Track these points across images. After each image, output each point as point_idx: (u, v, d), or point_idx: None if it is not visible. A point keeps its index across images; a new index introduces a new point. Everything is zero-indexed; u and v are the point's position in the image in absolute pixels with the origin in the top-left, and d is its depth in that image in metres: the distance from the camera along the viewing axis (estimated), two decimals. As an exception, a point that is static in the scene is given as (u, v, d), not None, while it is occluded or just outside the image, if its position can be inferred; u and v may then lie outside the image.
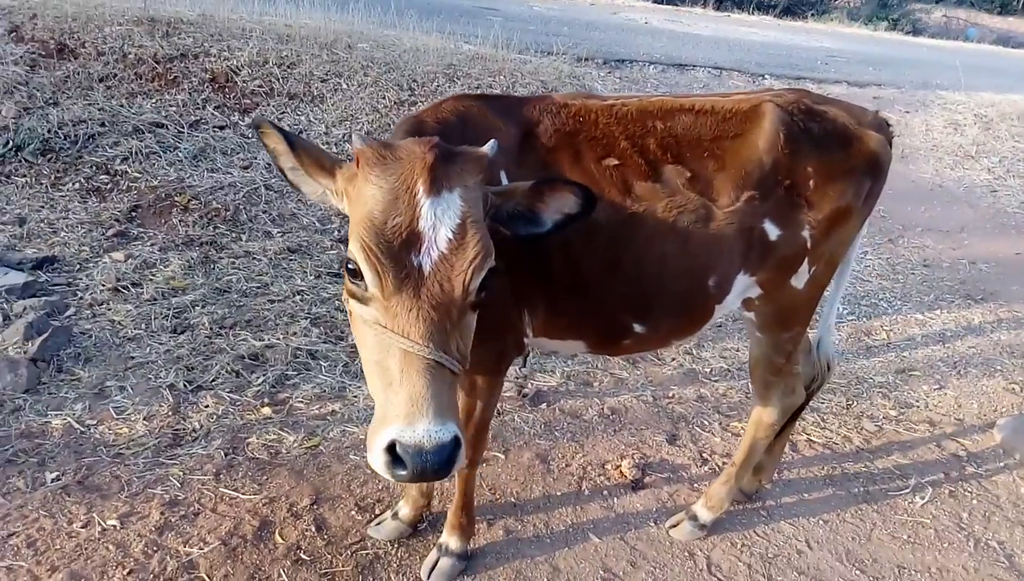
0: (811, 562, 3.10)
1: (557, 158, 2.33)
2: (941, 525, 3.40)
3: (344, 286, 1.83)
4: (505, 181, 2.26)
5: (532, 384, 4.29)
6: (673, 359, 4.82)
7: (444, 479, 1.72)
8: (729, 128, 2.45)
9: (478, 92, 2.91)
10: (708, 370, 4.67)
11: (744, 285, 2.62)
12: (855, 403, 4.42)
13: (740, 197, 2.40)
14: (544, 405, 4.08)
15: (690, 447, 3.81)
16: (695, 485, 3.47)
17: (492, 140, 1.93)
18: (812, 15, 22.18)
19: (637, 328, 2.54)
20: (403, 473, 1.64)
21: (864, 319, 5.65)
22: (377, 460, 1.67)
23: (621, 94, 3.24)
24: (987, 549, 3.28)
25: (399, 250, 1.70)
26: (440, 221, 1.72)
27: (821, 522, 3.34)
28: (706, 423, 4.06)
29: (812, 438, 3.99)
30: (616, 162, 2.34)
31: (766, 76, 10.47)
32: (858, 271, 6.52)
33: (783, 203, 2.48)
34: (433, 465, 1.62)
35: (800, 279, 2.66)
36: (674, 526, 3.18)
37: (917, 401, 4.48)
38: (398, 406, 1.66)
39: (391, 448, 1.64)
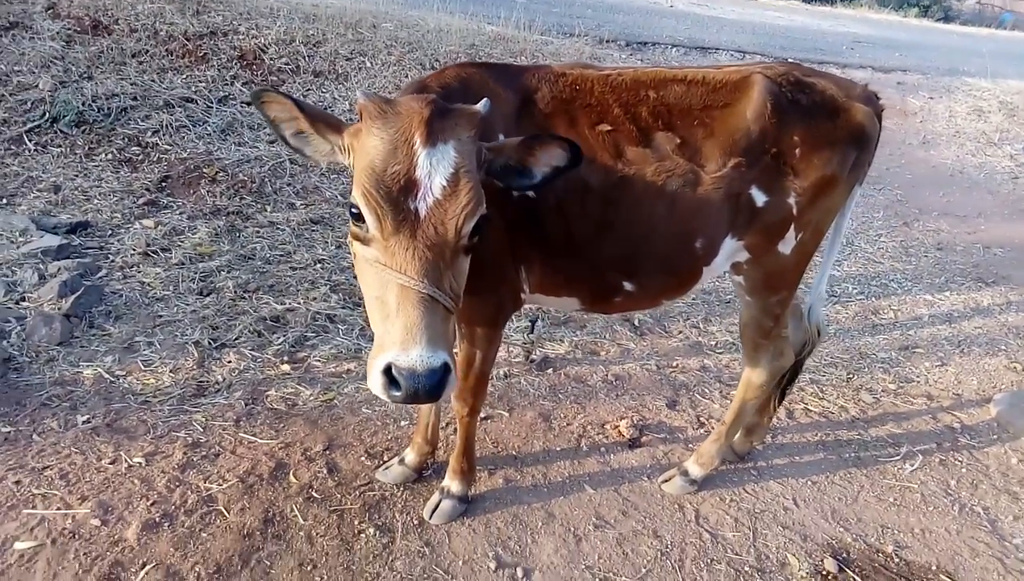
0: (796, 519, 3.24)
1: (553, 123, 2.47)
2: (928, 490, 3.52)
3: (349, 229, 2.01)
4: (505, 144, 2.42)
5: (540, 351, 4.45)
6: (680, 332, 4.96)
7: (435, 402, 1.90)
8: (719, 98, 2.58)
9: (480, 61, 3.06)
10: (713, 343, 4.80)
11: (732, 249, 2.75)
12: (855, 376, 4.52)
13: (727, 163, 2.52)
14: (551, 370, 4.25)
15: (688, 412, 3.96)
16: (690, 445, 3.61)
17: (485, 99, 2.09)
18: (841, 1, 21.90)
19: (627, 286, 2.68)
20: (398, 394, 1.81)
21: (873, 298, 5.73)
22: (375, 382, 1.84)
23: (618, 65, 3.37)
24: (971, 514, 3.40)
25: (397, 195, 1.86)
26: (435, 170, 1.88)
27: (810, 483, 3.47)
28: (706, 391, 4.20)
29: (809, 407, 4.11)
30: (609, 128, 2.48)
31: (789, 60, 10.45)
32: (871, 253, 6.59)
33: (770, 170, 2.60)
34: (425, 387, 1.79)
35: (787, 245, 2.79)
36: (666, 481, 3.33)
37: (917, 376, 4.58)
38: (394, 334, 1.83)
39: (387, 371, 1.81)
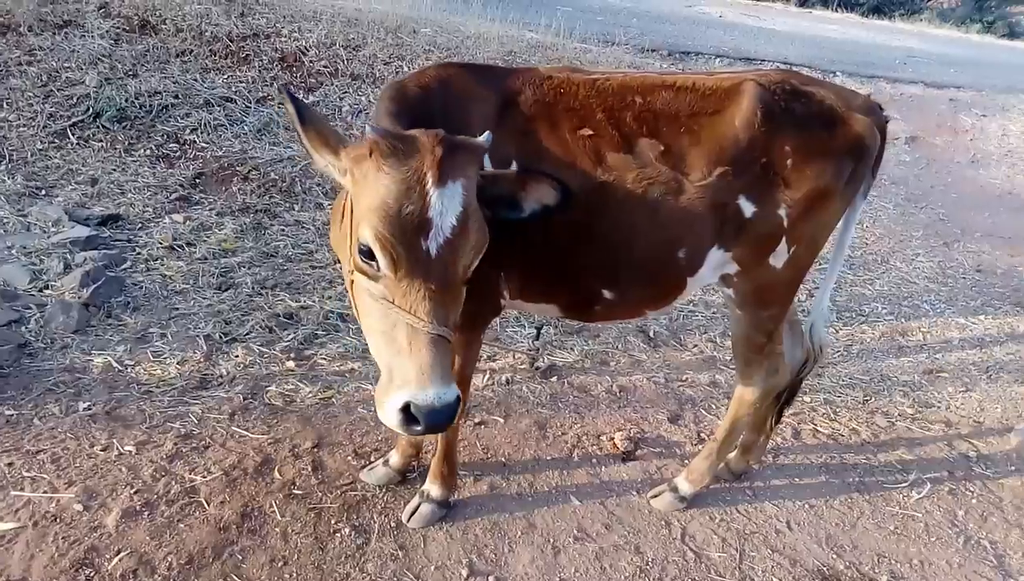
0: (788, 542, 3.14)
1: (534, 126, 2.45)
2: (933, 520, 3.37)
3: (351, 262, 2.01)
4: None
5: (547, 358, 4.42)
6: (695, 345, 4.87)
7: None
8: (707, 105, 2.52)
9: (464, 61, 3.05)
10: (728, 358, 4.69)
11: (719, 260, 2.68)
12: (873, 399, 4.38)
13: (713, 172, 2.46)
14: (555, 378, 4.21)
15: (690, 427, 3.88)
16: (686, 462, 3.53)
17: (487, 132, 2.08)
18: (900, 14, 21.29)
19: (607, 295, 2.64)
20: (418, 428, 1.89)
21: (903, 319, 5.55)
22: (392, 419, 1.91)
23: (608, 69, 3.33)
24: (977, 547, 3.25)
25: (411, 236, 1.87)
26: (446, 209, 1.89)
27: (807, 506, 3.37)
28: (713, 407, 4.11)
29: (819, 428, 3.99)
30: (590, 133, 2.45)
31: (837, 73, 10.22)
32: (906, 272, 6.38)
33: (759, 180, 2.53)
34: (443, 421, 1.90)
35: (779, 258, 2.71)
36: (655, 496, 3.27)
37: (939, 402, 4.41)
38: (408, 373, 1.89)
39: (405, 408, 1.88)
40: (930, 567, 3.11)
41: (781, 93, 2.55)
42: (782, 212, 2.59)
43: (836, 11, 19.72)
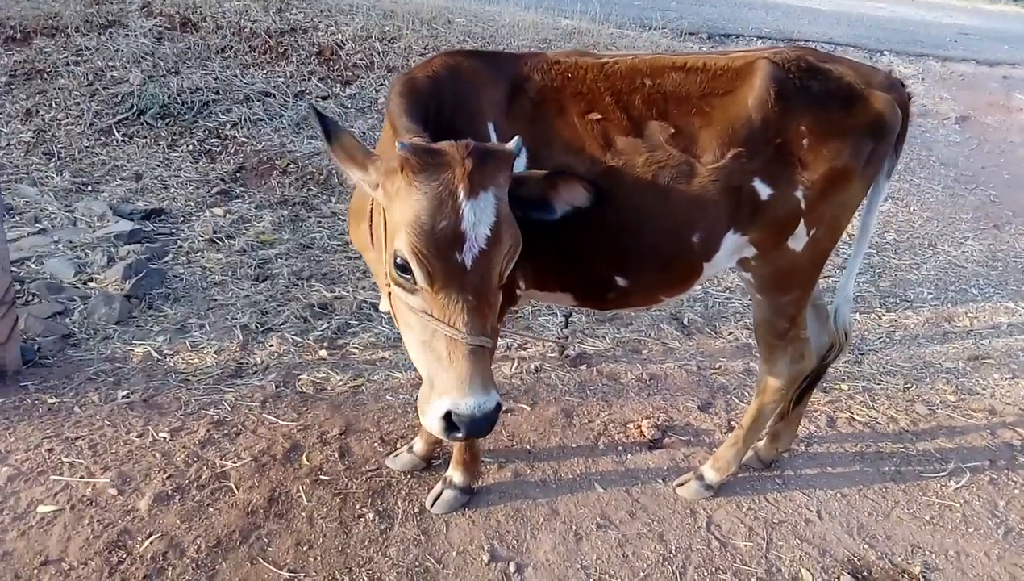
0: (817, 532, 3.08)
1: (543, 111, 2.44)
2: (971, 510, 3.27)
3: (388, 275, 2.04)
4: (493, 133, 2.41)
5: (577, 346, 4.41)
6: (730, 333, 4.80)
7: None
8: (719, 85, 2.47)
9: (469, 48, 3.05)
10: (762, 345, 4.61)
11: (736, 244, 2.64)
12: (914, 386, 4.26)
13: (726, 154, 2.41)
14: (584, 366, 4.19)
15: (721, 415, 3.83)
16: (714, 450, 3.48)
17: (516, 137, 2.05)
18: (953, -10, 20.52)
19: (620, 282, 2.61)
20: (459, 435, 1.95)
21: (949, 305, 5.39)
22: (434, 426, 1.96)
23: (617, 53, 3.28)
24: (1018, 539, 3.14)
25: (447, 250, 1.88)
26: (480, 220, 1.90)
27: (839, 496, 3.30)
28: (745, 395, 4.05)
29: (855, 416, 3.90)
30: (599, 117, 2.42)
31: (885, 52, 9.92)
32: (954, 256, 6.19)
33: (774, 161, 2.47)
34: (484, 429, 1.96)
35: (798, 241, 2.64)
36: (681, 484, 3.23)
37: (983, 389, 4.27)
38: (449, 383, 1.93)
39: (447, 416, 1.93)
40: (967, 559, 3.02)
41: (796, 71, 2.48)
42: (799, 194, 2.53)
43: (886, -12, 19.10)
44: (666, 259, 2.58)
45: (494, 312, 2.03)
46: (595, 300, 2.79)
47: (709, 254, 2.60)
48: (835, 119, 2.47)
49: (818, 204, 2.55)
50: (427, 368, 2.01)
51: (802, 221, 2.58)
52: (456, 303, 1.91)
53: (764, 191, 2.50)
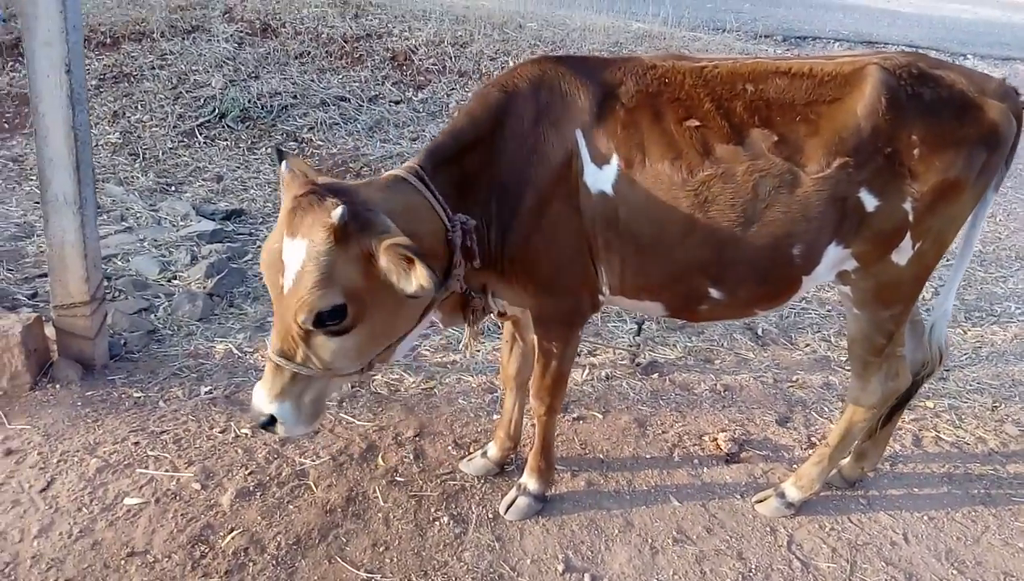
0: (904, 555, 2.95)
1: (636, 118, 2.40)
2: (1071, 540, 3.10)
3: None
4: (582, 140, 2.39)
5: (648, 354, 4.34)
6: (807, 345, 4.67)
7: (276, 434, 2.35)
8: (826, 92, 2.39)
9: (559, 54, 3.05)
10: (843, 358, 4.47)
11: (837, 257, 2.54)
12: (1003, 405, 4.07)
13: (832, 164, 2.33)
14: (656, 375, 4.13)
15: (800, 430, 3.71)
16: (794, 467, 3.38)
17: (341, 207, 1.98)
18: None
19: (714, 293, 2.55)
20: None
21: (1040, 321, 5.13)
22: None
23: (716, 56, 3.21)
24: (1121, 571, 2.96)
25: (271, 269, 2.12)
26: (289, 259, 2.04)
27: (926, 518, 3.16)
28: (825, 410, 3.93)
29: (941, 435, 3.74)
30: (697, 123, 2.37)
31: (968, 55, 9.55)
32: (1049, 267, 5.90)
33: (883, 172, 2.38)
34: (254, 421, 2.30)
35: (902, 255, 2.54)
36: (760, 501, 3.14)
37: (1078, 411, 4.05)
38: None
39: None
40: (1065, 590, 2.86)
41: (907, 77, 2.39)
42: (907, 206, 2.43)
43: (969, -10, 18.42)
44: (764, 271, 2.50)
45: (311, 348, 2.16)
46: (686, 312, 2.73)
47: (810, 267, 2.51)
48: (948, 129, 2.37)
49: (926, 217, 2.44)
50: None
51: (908, 234, 2.48)
52: (275, 317, 2.17)
53: (871, 202, 2.40)
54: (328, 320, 2.09)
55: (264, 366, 2.24)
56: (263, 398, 2.22)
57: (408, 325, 2.37)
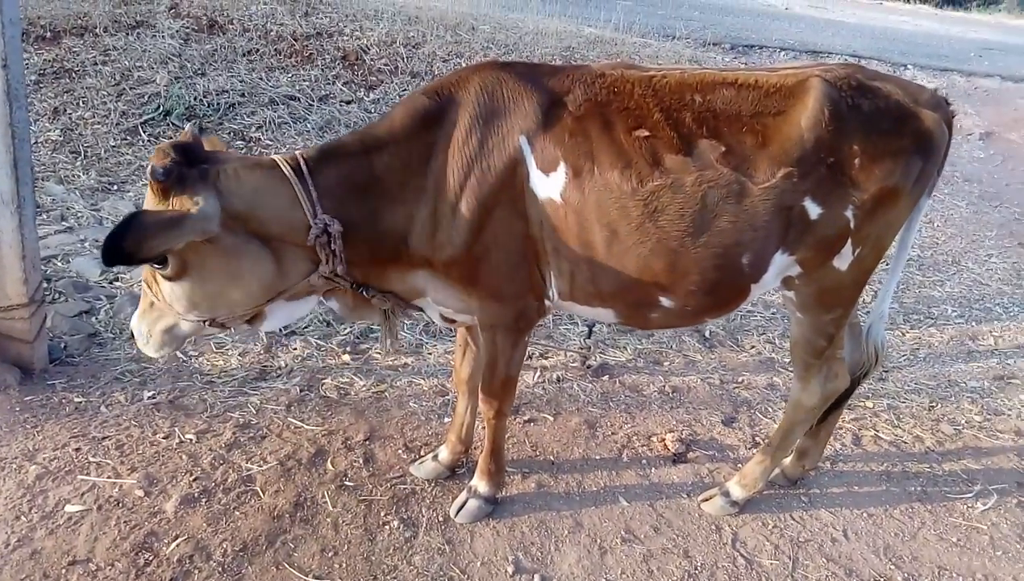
0: (844, 552, 3.05)
1: (585, 126, 2.42)
2: (999, 533, 3.23)
3: None
4: (526, 147, 2.41)
5: (599, 356, 4.39)
6: (752, 347, 4.78)
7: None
8: (771, 104, 2.45)
9: (510, 60, 3.07)
10: (787, 360, 4.59)
11: (783, 264, 2.60)
12: (939, 405, 4.22)
13: (777, 174, 2.38)
14: (606, 377, 4.18)
15: (745, 430, 3.80)
16: (739, 466, 3.46)
17: (153, 164, 2.24)
18: (977, 6, 20.42)
19: (665, 302, 2.58)
20: None
21: (973, 323, 5.35)
22: None
23: (664, 66, 3.27)
24: (1048, 564, 3.10)
25: None
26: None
27: (865, 515, 3.26)
28: (769, 410, 4.02)
29: (880, 434, 3.87)
30: (647, 133, 2.40)
31: (908, 66, 9.88)
32: (978, 274, 6.15)
33: (826, 181, 2.44)
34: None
35: (843, 260, 2.62)
36: (706, 500, 3.21)
37: (1009, 409, 4.23)
38: None
39: None
40: (995, 582, 2.99)
41: (848, 89, 2.46)
42: (849, 213, 2.51)
43: (908, 2, 19.04)
44: (715, 281, 2.53)
45: (153, 282, 2.40)
46: (638, 319, 2.75)
47: (758, 275, 2.57)
48: (887, 139, 2.45)
49: (866, 223, 2.53)
50: None
51: (849, 240, 2.56)
52: None
53: (814, 211, 2.47)
54: (156, 263, 2.26)
55: None
56: (134, 315, 2.51)
57: (254, 300, 2.41)
